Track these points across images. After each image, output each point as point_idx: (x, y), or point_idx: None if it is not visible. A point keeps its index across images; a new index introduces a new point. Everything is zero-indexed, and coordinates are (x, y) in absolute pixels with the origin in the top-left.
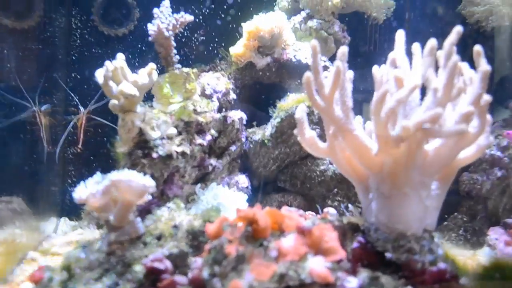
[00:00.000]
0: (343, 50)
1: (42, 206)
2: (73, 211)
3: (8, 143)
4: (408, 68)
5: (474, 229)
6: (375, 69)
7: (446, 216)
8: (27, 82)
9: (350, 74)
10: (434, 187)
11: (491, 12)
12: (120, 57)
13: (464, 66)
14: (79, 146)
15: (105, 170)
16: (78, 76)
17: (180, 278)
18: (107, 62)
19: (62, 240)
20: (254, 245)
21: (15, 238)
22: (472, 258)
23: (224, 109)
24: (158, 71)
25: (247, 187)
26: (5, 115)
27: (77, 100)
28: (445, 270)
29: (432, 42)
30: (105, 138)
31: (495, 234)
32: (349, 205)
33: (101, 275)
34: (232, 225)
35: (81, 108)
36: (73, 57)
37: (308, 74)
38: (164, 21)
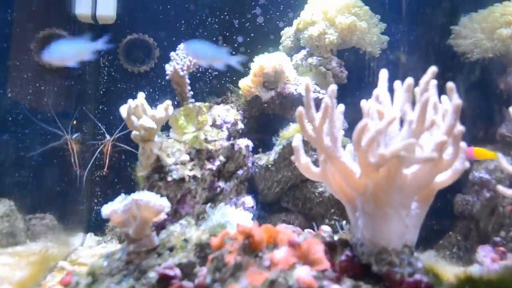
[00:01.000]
0: (332, 88)
1: (71, 222)
2: (98, 227)
3: (43, 167)
4: (389, 103)
5: (466, 247)
6: (363, 102)
7: (441, 235)
8: (61, 113)
9: (340, 107)
10: (413, 207)
11: (475, 45)
12: (141, 95)
13: (444, 99)
14: (105, 169)
15: (127, 190)
16: (105, 108)
17: (187, 283)
18: (130, 100)
19: (88, 252)
20: (250, 256)
21: (48, 249)
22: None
23: (232, 138)
24: (174, 105)
25: (252, 207)
26: (41, 142)
27: (103, 129)
28: (420, 280)
29: (409, 80)
30: (127, 163)
31: (483, 252)
32: (343, 224)
33: (120, 280)
34: (232, 238)
35: (107, 136)
36: (101, 92)
37: (300, 109)
38: (180, 62)
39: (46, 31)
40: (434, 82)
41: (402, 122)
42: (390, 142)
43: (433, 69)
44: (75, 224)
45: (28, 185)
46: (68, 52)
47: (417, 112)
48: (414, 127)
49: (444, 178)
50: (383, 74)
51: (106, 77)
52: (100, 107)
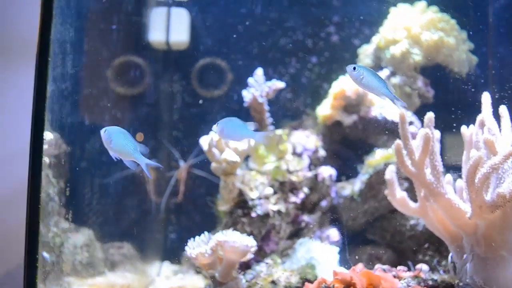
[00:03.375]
0: (430, 116)
1: (148, 251)
2: (174, 255)
3: (121, 195)
4: (497, 131)
5: None
6: (464, 129)
7: None
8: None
9: (437, 134)
10: None
11: None
12: None
13: None
14: (180, 196)
15: (202, 218)
16: (179, 134)
17: None
18: (212, 132)
19: (166, 284)
20: None
21: (129, 282)
22: None
23: (314, 166)
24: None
25: (338, 241)
26: (118, 170)
27: (178, 156)
28: None
29: None
30: (203, 189)
31: None
32: (449, 259)
33: None
34: (330, 286)
35: (181, 163)
36: (175, 117)
37: (398, 142)
38: (258, 88)
39: (121, 58)
40: None
41: None
42: (503, 176)
43: None
44: (151, 253)
45: (107, 213)
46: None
47: None
48: None
49: None
50: (486, 97)
51: (179, 103)
52: (174, 133)
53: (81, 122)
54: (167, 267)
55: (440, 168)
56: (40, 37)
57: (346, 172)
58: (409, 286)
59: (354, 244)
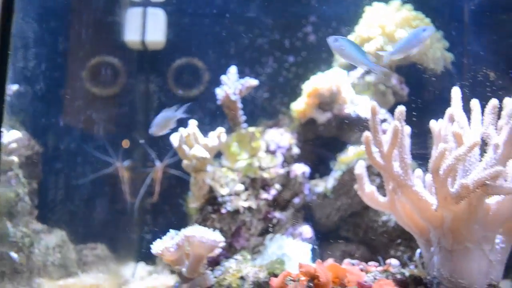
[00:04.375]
0: (401, 109)
1: (122, 252)
2: (149, 256)
3: (94, 196)
4: (466, 124)
5: None
6: (433, 123)
7: None
8: (112, 141)
9: (407, 129)
10: (498, 241)
11: None
12: (192, 123)
13: None
14: (155, 197)
15: (178, 219)
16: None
17: None
18: (181, 129)
19: (140, 285)
20: None
21: (99, 282)
22: None
23: (287, 163)
24: (226, 131)
25: (310, 238)
26: (93, 171)
27: (154, 156)
28: None
29: (494, 101)
30: (178, 190)
31: None
32: (417, 254)
33: None
34: (295, 279)
35: (157, 163)
36: (150, 118)
37: (367, 134)
38: (231, 86)
39: (96, 59)
40: None
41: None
42: (470, 169)
43: None
44: (126, 254)
45: (80, 214)
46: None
47: (505, 136)
48: (500, 152)
49: None
50: (456, 92)
51: (155, 103)
52: (149, 133)
53: (55, 123)
54: (142, 268)
55: (409, 161)
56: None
57: (320, 169)
58: (376, 279)
59: (327, 241)
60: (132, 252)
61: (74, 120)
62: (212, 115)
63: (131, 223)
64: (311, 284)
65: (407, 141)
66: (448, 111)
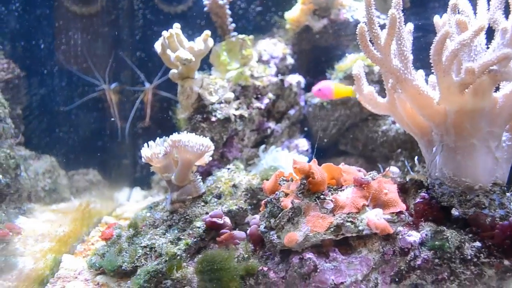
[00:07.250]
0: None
1: (116, 177)
2: (144, 181)
3: (82, 121)
4: (471, 12)
5: None
6: (437, 18)
7: None
8: (97, 62)
9: (409, 26)
10: (505, 138)
11: None
12: (176, 25)
13: None
14: (147, 120)
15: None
16: (143, 55)
17: (238, 232)
18: (163, 31)
19: (134, 207)
20: (310, 198)
21: (88, 204)
22: None
23: (281, 74)
24: (216, 41)
25: (307, 150)
26: (80, 95)
27: (143, 77)
28: None
29: None
30: (170, 112)
31: None
32: (416, 162)
33: (165, 231)
34: (288, 179)
35: (147, 84)
36: (137, 37)
37: (361, 25)
38: None
39: None
40: None
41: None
42: (476, 59)
43: None
44: (120, 179)
45: (68, 140)
46: None
47: None
48: (509, 37)
49: None
50: None
51: (141, 21)
52: (137, 54)
53: (34, 45)
54: (138, 192)
55: (409, 55)
56: None
57: (317, 80)
58: (374, 179)
59: (324, 155)
60: (126, 177)
61: (56, 42)
62: (201, 32)
63: (123, 148)
64: (305, 182)
65: (407, 35)
66: (451, 1)
